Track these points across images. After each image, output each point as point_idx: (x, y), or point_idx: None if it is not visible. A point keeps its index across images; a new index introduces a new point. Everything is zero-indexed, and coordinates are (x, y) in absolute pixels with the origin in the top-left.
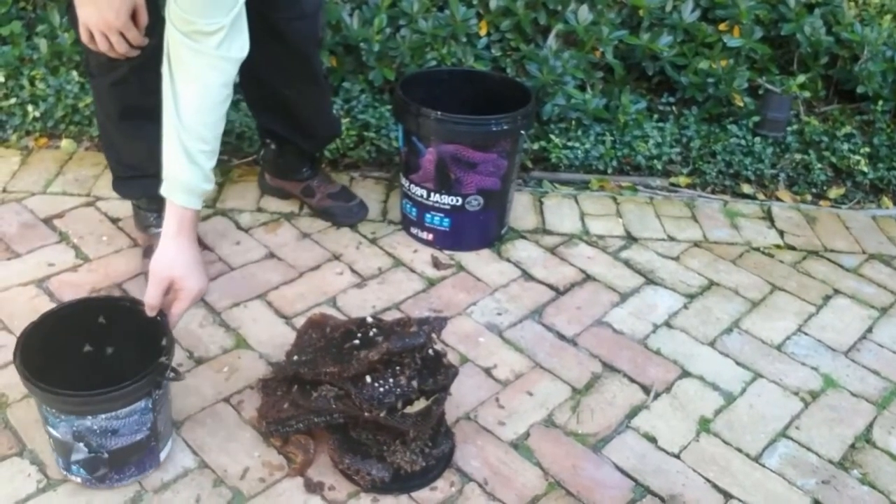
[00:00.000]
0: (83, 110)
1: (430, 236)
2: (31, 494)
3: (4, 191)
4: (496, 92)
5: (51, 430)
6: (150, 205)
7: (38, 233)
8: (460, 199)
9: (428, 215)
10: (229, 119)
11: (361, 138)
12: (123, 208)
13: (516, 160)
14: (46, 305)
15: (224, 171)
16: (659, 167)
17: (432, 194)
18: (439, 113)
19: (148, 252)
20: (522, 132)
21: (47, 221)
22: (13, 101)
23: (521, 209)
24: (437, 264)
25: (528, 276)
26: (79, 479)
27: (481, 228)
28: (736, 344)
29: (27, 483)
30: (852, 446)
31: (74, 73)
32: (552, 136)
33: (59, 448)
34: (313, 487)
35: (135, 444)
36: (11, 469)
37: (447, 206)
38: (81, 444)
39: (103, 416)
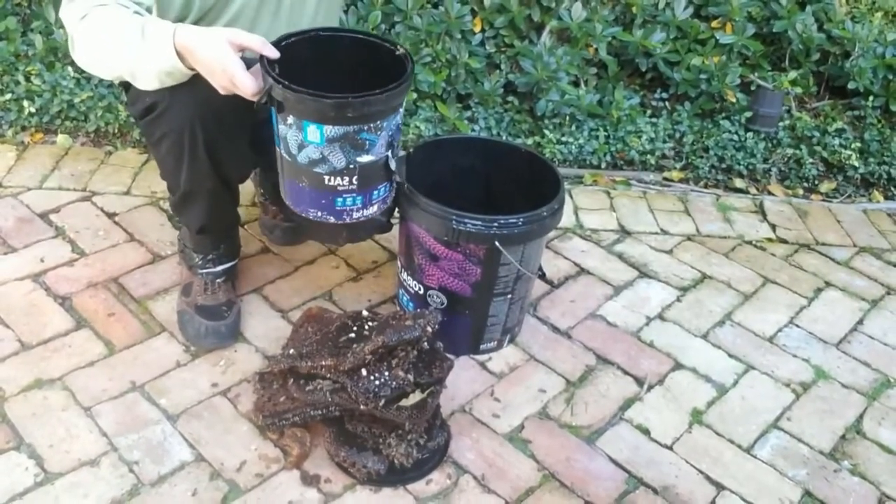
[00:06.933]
0: (79, 106)
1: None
2: (28, 488)
3: (0, 186)
4: (528, 173)
5: (363, 158)
6: (195, 245)
7: (34, 228)
8: (422, 289)
9: (400, 291)
10: None
11: None
12: (120, 203)
13: (500, 274)
14: (43, 300)
15: None
16: (652, 162)
17: (403, 271)
18: (406, 186)
19: (187, 290)
20: (497, 244)
21: (43, 216)
22: (9, 96)
23: None
24: None
25: None
26: (375, 207)
27: (444, 331)
28: (728, 336)
29: (24, 477)
30: (843, 437)
31: (70, 69)
32: (546, 132)
33: (368, 176)
34: (309, 480)
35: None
36: (8, 463)
37: (412, 290)
38: (391, 154)
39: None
